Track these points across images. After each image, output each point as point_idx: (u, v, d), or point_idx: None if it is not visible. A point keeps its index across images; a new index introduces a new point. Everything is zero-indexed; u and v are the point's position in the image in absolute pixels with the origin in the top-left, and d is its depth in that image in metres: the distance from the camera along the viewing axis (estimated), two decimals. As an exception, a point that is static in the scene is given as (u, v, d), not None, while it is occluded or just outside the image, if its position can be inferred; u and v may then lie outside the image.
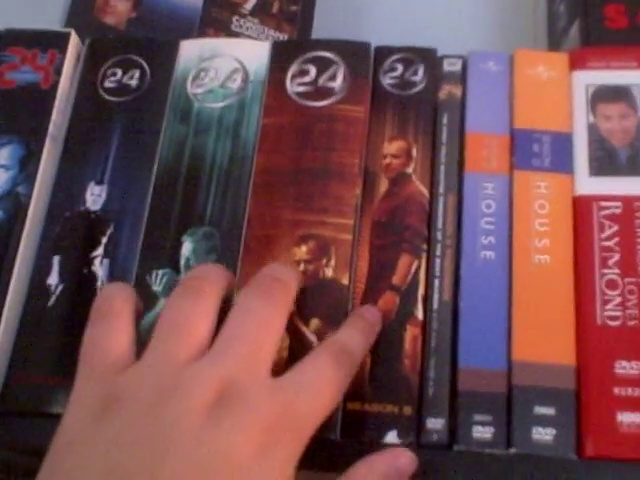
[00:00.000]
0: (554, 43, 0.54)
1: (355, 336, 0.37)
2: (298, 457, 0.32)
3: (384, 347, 0.39)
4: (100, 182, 0.44)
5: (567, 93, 0.42)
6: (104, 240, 0.42)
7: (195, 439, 0.30)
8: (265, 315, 0.34)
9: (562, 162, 0.41)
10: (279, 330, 0.34)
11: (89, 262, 0.42)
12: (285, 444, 0.31)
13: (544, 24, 0.57)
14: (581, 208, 0.40)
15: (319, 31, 0.57)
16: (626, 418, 0.36)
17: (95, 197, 0.43)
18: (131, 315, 0.36)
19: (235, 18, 0.54)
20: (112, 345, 0.34)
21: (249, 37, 0.54)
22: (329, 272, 0.40)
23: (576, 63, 0.43)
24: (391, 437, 0.37)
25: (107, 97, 0.46)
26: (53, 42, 0.46)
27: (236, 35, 0.54)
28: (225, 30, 0.53)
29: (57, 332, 0.41)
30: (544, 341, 0.38)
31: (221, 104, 0.44)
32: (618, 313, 0.37)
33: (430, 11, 0.64)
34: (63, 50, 0.46)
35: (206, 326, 0.34)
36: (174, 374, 0.32)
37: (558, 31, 0.53)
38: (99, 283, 0.41)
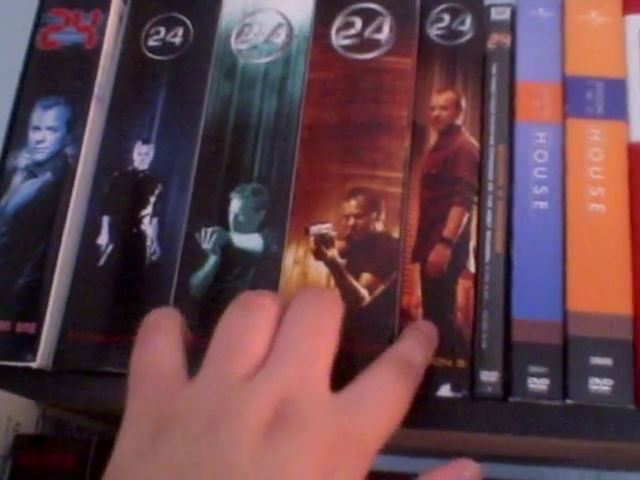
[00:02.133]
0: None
1: (416, 348, 0.35)
2: (364, 477, 0.30)
3: (436, 300, 0.39)
4: (147, 141, 0.44)
5: (620, 38, 0.41)
6: (152, 199, 0.42)
7: (253, 463, 0.28)
8: (318, 324, 0.32)
9: (616, 109, 0.40)
10: (333, 339, 0.32)
11: (138, 221, 0.42)
12: (349, 465, 0.29)
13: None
14: (637, 155, 0.39)
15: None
16: (686, 367, 0.35)
17: (142, 156, 0.43)
18: (180, 332, 0.33)
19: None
20: (163, 364, 0.32)
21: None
22: (379, 226, 0.40)
23: (629, 7, 0.41)
24: (444, 390, 0.37)
25: (151, 56, 0.45)
26: (95, 2, 0.46)
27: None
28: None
29: (108, 291, 0.41)
30: (600, 291, 0.37)
31: (266, 60, 0.44)
32: (676, 261, 0.37)
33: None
34: (106, 10, 0.46)
35: (263, 341, 0.32)
36: (229, 394, 0.30)
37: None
38: (149, 242, 0.42)
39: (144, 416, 0.31)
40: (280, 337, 0.32)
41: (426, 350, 0.35)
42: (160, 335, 0.33)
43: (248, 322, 0.32)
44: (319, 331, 0.32)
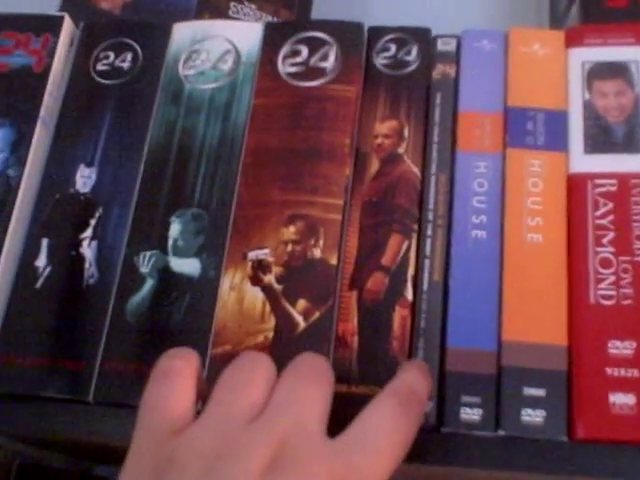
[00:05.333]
0: (555, 23, 0.53)
1: (419, 377, 0.34)
2: None
3: (372, 329, 0.38)
4: (90, 164, 0.43)
5: (563, 71, 0.41)
6: (93, 222, 0.42)
7: None
8: (312, 378, 0.33)
9: (557, 140, 0.40)
10: (328, 393, 0.32)
11: (77, 244, 0.42)
12: None
13: (547, 5, 0.56)
14: (575, 186, 0.39)
15: (317, 16, 0.56)
16: (618, 399, 0.34)
17: (85, 179, 0.43)
18: (193, 376, 0.34)
19: (232, 4, 0.54)
20: (171, 405, 0.33)
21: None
22: (317, 252, 0.40)
23: (572, 40, 0.42)
24: (378, 419, 0.36)
25: (99, 80, 0.45)
26: (47, 26, 0.46)
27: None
28: (222, 16, 0.53)
29: (45, 314, 0.40)
30: (535, 321, 0.37)
31: (212, 85, 0.44)
32: (612, 292, 0.36)
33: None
34: (56, 34, 0.46)
35: (262, 391, 0.32)
36: (230, 436, 0.31)
37: (560, 11, 0.52)
38: (87, 265, 0.41)
39: (146, 454, 0.31)
40: (278, 388, 0.32)
41: (427, 378, 0.35)
42: (172, 376, 0.34)
43: (249, 373, 0.33)
44: (314, 384, 0.32)
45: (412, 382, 0.33)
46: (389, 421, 0.31)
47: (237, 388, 0.32)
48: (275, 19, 0.54)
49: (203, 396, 0.34)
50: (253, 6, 0.53)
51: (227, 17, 0.53)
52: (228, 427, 0.31)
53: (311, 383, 0.32)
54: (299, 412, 0.31)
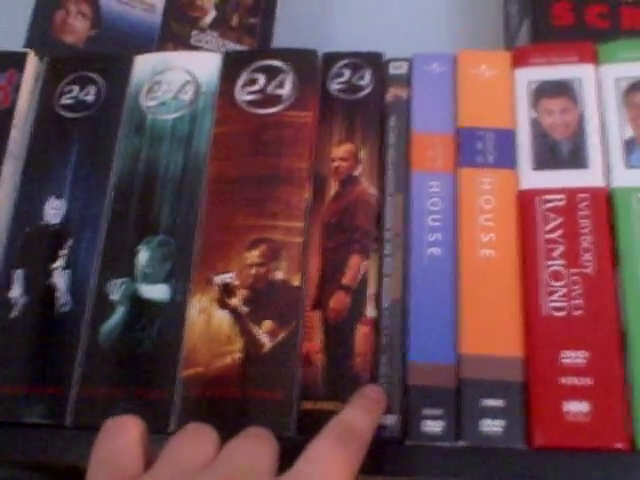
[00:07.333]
0: (509, 43, 0.55)
1: (359, 414, 0.36)
2: None
3: (336, 346, 0.39)
4: (60, 196, 0.44)
5: (510, 90, 0.43)
6: (64, 252, 0.43)
7: None
8: (257, 439, 0.34)
9: (506, 158, 0.41)
10: (273, 450, 0.33)
11: (50, 274, 0.43)
12: None
13: (502, 25, 0.57)
14: (525, 202, 0.40)
15: (279, 43, 0.58)
16: (573, 407, 0.36)
17: (55, 211, 0.44)
18: (140, 432, 0.35)
19: (194, 32, 0.55)
20: (120, 457, 0.34)
21: (208, 51, 0.55)
22: (280, 275, 0.41)
23: (518, 60, 0.43)
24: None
25: (64, 114, 0.46)
26: (11, 62, 0.48)
27: (196, 49, 0.54)
28: (184, 44, 0.54)
29: (21, 342, 0.41)
30: (491, 334, 0.38)
31: (174, 115, 0.45)
32: (563, 304, 0.38)
33: (395, 21, 0.65)
34: (21, 69, 0.47)
35: (208, 451, 0.33)
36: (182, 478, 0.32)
37: (512, 32, 0.54)
38: (58, 294, 0.42)
39: None
40: (225, 447, 0.33)
41: (372, 413, 0.36)
42: (120, 430, 0.35)
43: (195, 437, 0.34)
44: (260, 441, 0.34)
45: (350, 420, 0.35)
46: (325, 455, 0.33)
47: (185, 447, 0.34)
48: (237, 46, 0.56)
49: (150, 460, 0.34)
50: (215, 34, 0.55)
51: (189, 45, 0.54)
52: (179, 474, 0.32)
53: (257, 440, 0.34)
54: (248, 460, 0.32)
